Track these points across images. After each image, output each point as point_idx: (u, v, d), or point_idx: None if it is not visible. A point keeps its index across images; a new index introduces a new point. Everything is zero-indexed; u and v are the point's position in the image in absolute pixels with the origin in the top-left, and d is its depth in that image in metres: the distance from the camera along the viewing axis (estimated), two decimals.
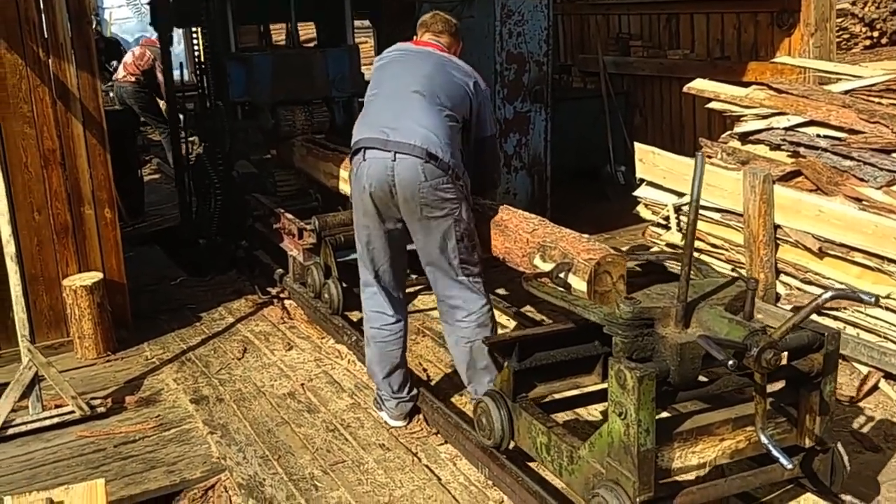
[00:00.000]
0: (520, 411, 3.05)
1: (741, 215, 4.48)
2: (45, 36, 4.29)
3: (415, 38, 3.67)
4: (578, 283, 2.90)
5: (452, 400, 3.89)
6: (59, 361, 4.38)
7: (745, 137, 4.82)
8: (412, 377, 3.80)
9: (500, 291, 5.09)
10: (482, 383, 3.45)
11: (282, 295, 5.36)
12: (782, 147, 4.54)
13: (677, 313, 2.61)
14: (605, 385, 2.74)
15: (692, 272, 2.75)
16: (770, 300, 4.45)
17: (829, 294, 2.46)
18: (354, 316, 4.90)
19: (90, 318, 4.48)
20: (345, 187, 4.82)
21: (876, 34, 9.72)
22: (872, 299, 2.38)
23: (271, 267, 5.69)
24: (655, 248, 5.27)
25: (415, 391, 3.71)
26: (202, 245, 6.47)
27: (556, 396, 3.37)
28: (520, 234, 3.34)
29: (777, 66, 6.57)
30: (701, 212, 4.81)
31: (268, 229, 5.62)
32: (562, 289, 2.94)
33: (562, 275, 2.94)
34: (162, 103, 9.72)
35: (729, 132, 5.45)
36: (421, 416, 3.69)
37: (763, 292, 4.45)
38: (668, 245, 5.15)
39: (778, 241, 4.38)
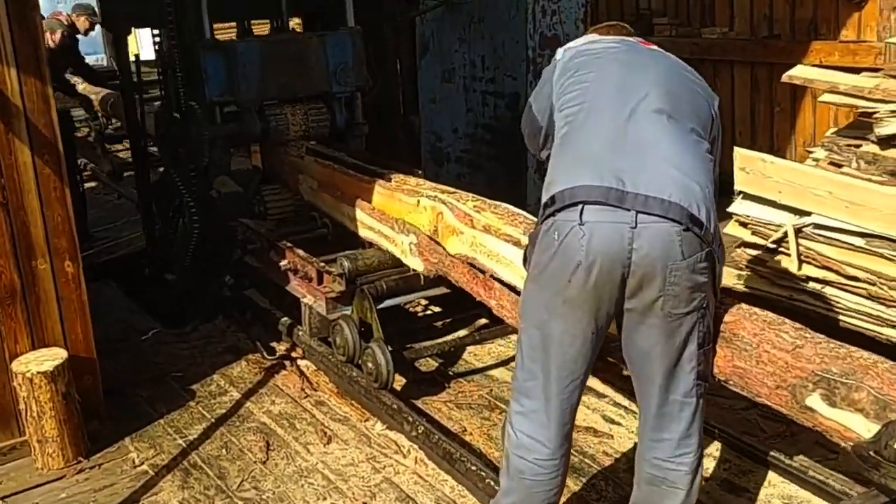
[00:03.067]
0: None
1: None
2: None
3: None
4: None
5: None
6: (12, 474, 3.21)
7: (887, 141, 3.85)
8: None
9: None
10: None
11: (294, 355, 4.18)
12: None
13: None
14: None
15: None
16: None
17: None
18: (397, 383, 3.78)
19: (53, 416, 3.24)
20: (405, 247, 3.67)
21: None
22: None
23: (270, 312, 4.51)
24: (758, 278, 4.29)
25: None
26: (172, 282, 5.20)
27: None
28: (766, 350, 2.27)
29: (849, 46, 5.66)
30: (835, 235, 3.86)
31: (266, 266, 4.42)
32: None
33: (892, 442, 1.89)
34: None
35: (833, 130, 4.50)
36: None
37: None
38: (776, 272, 4.17)
39: None
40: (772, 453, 3.09)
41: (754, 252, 4.29)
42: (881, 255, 3.66)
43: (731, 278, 4.54)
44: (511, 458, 2.44)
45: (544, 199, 2.28)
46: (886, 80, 4.09)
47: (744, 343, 2.34)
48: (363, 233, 4.01)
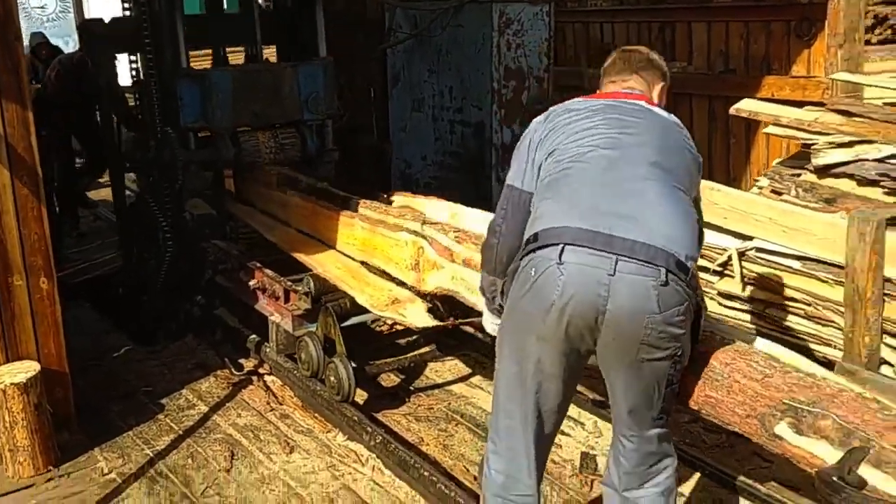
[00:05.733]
0: None
1: (837, 266, 3.75)
2: None
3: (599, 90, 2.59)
4: (888, 484, 1.97)
5: None
6: None
7: (823, 170, 4.10)
8: None
9: None
10: None
11: (261, 371, 4.33)
12: (881, 183, 3.83)
13: None
14: None
15: None
16: (873, 367, 3.72)
17: None
18: (359, 397, 3.96)
19: (25, 426, 3.37)
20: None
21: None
22: None
23: (239, 331, 4.66)
24: (707, 300, 4.50)
25: None
26: (144, 302, 5.34)
27: None
28: (736, 378, 2.34)
29: (799, 81, 5.94)
30: (775, 258, 4.08)
31: (236, 286, 4.59)
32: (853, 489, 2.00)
33: (855, 468, 2.00)
34: None
35: (778, 161, 4.76)
36: None
37: (866, 358, 3.72)
38: (721, 294, 4.39)
39: (885, 297, 3.66)
40: (708, 461, 3.28)
41: (703, 275, 4.51)
42: (816, 277, 3.88)
43: None
44: (489, 499, 2.44)
45: (527, 235, 2.28)
46: (826, 113, 4.35)
47: (715, 373, 2.40)
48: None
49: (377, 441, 3.45)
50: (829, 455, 2.16)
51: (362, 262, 4.05)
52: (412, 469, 3.23)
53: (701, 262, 4.51)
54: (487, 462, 2.44)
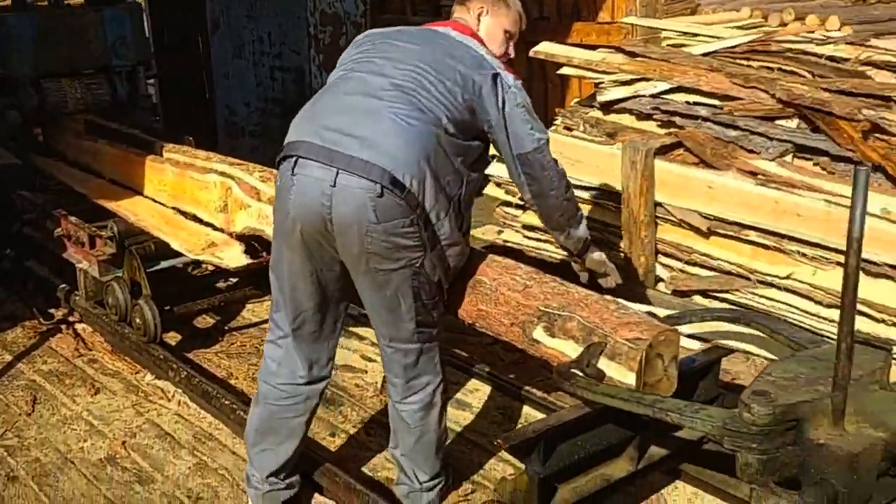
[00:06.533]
0: None
1: (616, 193, 4.07)
2: None
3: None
4: (621, 373, 2.20)
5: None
6: None
7: (607, 106, 4.40)
8: (298, 459, 2.73)
9: None
10: (423, 468, 2.66)
11: (71, 319, 4.29)
12: (654, 116, 4.16)
13: (835, 407, 1.88)
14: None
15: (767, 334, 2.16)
16: (650, 285, 4.10)
17: None
18: (173, 339, 4.01)
19: None
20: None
21: None
22: None
23: (51, 281, 4.58)
24: (513, 232, 4.77)
25: (295, 478, 2.73)
26: None
27: None
28: (502, 291, 2.56)
29: (604, 27, 6.28)
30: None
31: (43, 235, 4.49)
32: (593, 380, 2.23)
33: (594, 360, 2.22)
34: None
35: (578, 100, 5.04)
36: None
37: (643, 277, 4.08)
38: (526, 227, 4.67)
39: (657, 221, 4.01)
40: (499, 375, 3.54)
41: (507, 209, 4.77)
42: (600, 205, 4.20)
43: (492, 234, 5.04)
44: (259, 383, 2.65)
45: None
46: (611, 54, 4.65)
47: (485, 287, 2.62)
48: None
49: (182, 377, 3.52)
50: (575, 353, 2.41)
51: (174, 208, 4.07)
52: (214, 399, 3.33)
53: (506, 196, 4.77)
54: (265, 352, 2.63)
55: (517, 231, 4.76)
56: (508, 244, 4.74)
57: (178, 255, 3.94)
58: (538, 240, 4.62)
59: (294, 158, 2.35)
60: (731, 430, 1.92)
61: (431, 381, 2.57)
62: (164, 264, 3.99)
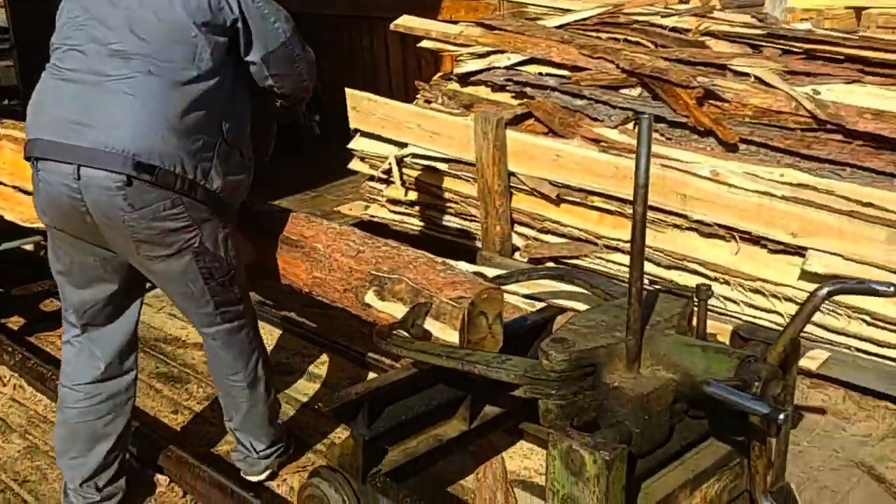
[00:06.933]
0: (378, 498, 2.21)
1: (472, 164, 4.10)
2: None
3: None
4: (445, 332, 2.19)
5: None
6: None
7: (464, 79, 4.43)
8: (122, 466, 2.55)
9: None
10: (259, 438, 2.64)
11: None
12: (507, 88, 4.20)
13: (629, 351, 1.93)
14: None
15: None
16: (506, 254, 4.15)
17: (827, 289, 1.82)
18: (15, 323, 3.85)
19: None
20: None
21: None
22: (891, 289, 1.78)
23: None
24: (378, 206, 4.76)
25: (116, 486, 2.52)
26: None
27: None
28: (336, 258, 2.52)
29: (472, 3, 6.32)
30: (427, 162, 4.39)
31: None
32: (419, 340, 2.22)
33: (419, 321, 2.21)
34: None
35: (441, 74, 5.06)
36: None
37: (499, 246, 4.13)
38: (390, 201, 4.66)
39: (512, 190, 4.06)
40: (344, 343, 3.53)
41: (373, 184, 4.75)
42: (458, 176, 4.23)
43: (358, 209, 5.01)
44: (59, 388, 2.48)
45: None
46: (469, 27, 4.68)
47: (319, 254, 2.58)
48: None
49: (17, 360, 3.38)
50: (403, 314, 2.40)
51: (15, 188, 3.89)
52: (49, 381, 3.21)
53: (369, 170, 4.75)
54: (63, 354, 2.49)
55: (382, 205, 4.75)
56: (375, 219, 4.72)
57: (21, 237, 3.79)
58: (403, 213, 4.63)
59: (33, 160, 2.18)
60: (532, 378, 1.95)
61: (251, 356, 2.53)
62: (4, 246, 3.84)
